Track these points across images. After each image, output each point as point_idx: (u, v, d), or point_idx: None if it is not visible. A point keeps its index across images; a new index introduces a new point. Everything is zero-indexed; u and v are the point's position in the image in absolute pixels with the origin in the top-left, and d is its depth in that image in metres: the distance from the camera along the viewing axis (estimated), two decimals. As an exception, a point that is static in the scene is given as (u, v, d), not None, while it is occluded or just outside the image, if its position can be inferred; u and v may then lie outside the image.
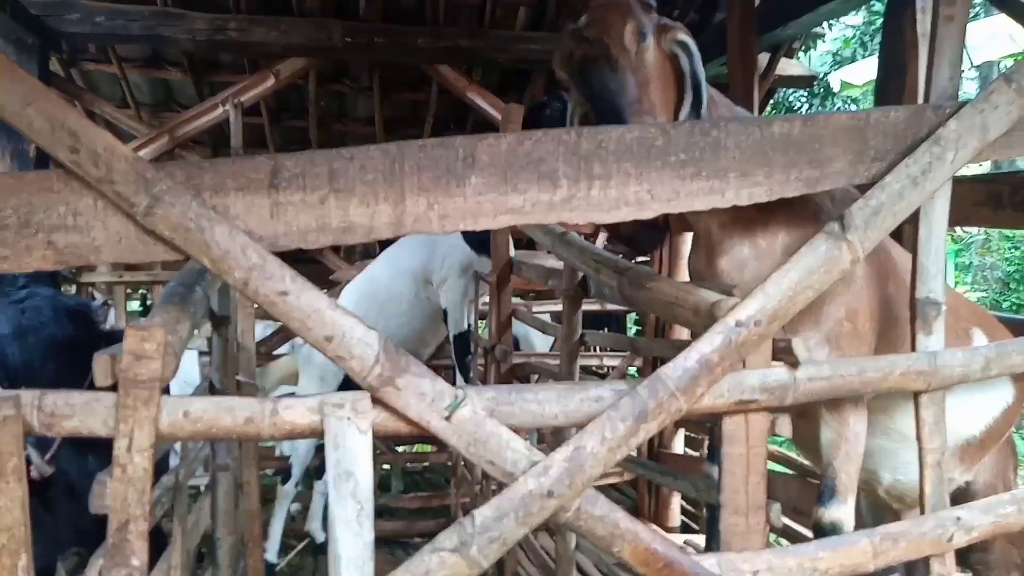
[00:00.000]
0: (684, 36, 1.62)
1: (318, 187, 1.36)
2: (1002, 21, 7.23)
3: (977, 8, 9.53)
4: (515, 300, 4.80)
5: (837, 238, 1.40)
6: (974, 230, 9.51)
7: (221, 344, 2.23)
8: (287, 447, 4.02)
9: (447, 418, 1.32)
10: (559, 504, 1.31)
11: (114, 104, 4.69)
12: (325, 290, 4.88)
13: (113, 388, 1.26)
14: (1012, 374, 1.80)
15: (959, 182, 1.61)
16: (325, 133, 5.21)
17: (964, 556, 1.98)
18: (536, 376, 3.76)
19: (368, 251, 5.12)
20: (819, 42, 7.04)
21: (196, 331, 3.92)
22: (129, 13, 3.81)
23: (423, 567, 1.28)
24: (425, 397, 1.32)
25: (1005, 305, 8.75)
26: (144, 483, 1.26)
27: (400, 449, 5.49)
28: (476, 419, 1.33)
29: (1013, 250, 9.46)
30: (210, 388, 2.22)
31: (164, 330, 1.26)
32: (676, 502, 4.09)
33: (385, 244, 4.21)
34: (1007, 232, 9.37)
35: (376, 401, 1.33)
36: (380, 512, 4.53)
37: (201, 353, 4.25)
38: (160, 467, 1.29)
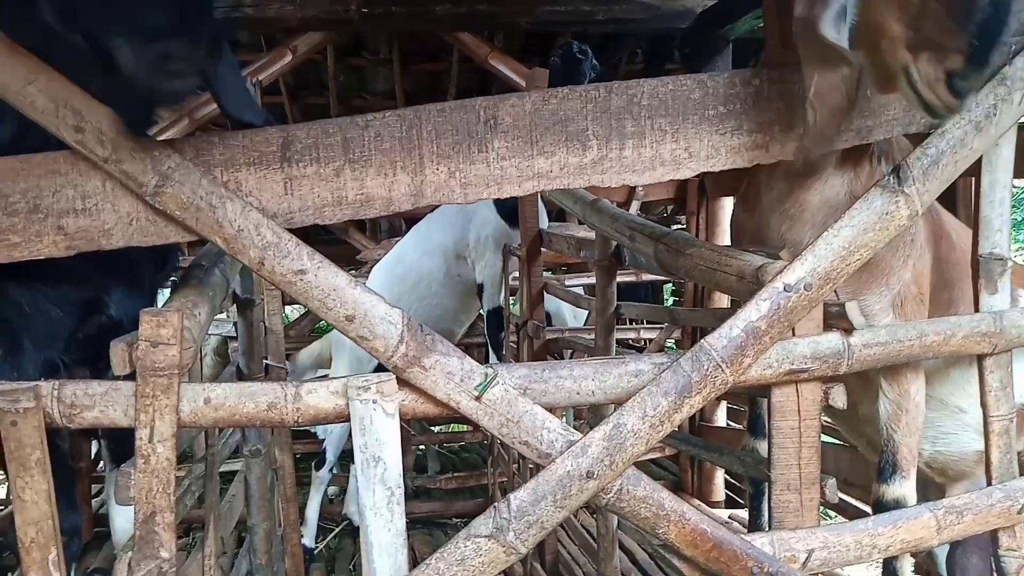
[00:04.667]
0: None
1: (332, 158, 1.29)
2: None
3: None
4: (545, 274, 4.72)
5: (893, 191, 1.29)
6: (1024, 184, 9.11)
7: (246, 328, 2.19)
8: (321, 429, 4.01)
9: (477, 398, 1.26)
10: (599, 485, 1.24)
11: (134, 90, 4.67)
12: (353, 270, 4.86)
13: (133, 377, 1.22)
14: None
15: (1020, 129, 1.47)
16: (345, 109, 5.13)
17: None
18: (571, 352, 3.69)
19: (394, 229, 5.07)
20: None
21: (225, 314, 3.89)
22: (143, -5, 3.77)
23: (458, 554, 1.22)
24: (453, 377, 1.26)
25: (1058, 262, 8.38)
26: (168, 473, 1.22)
27: (436, 429, 5.47)
28: (508, 398, 1.26)
29: (1066, 205, 9.06)
30: (237, 373, 2.19)
31: (180, 315, 1.20)
32: (720, 476, 4.00)
33: (412, 222, 4.14)
34: (1059, 185, 8.97)
35: (402, 382, 1.26)
36: (417, 493, 4.54)
37: (230, 338, 4.28)
38: None
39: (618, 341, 4.24)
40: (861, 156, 1.47)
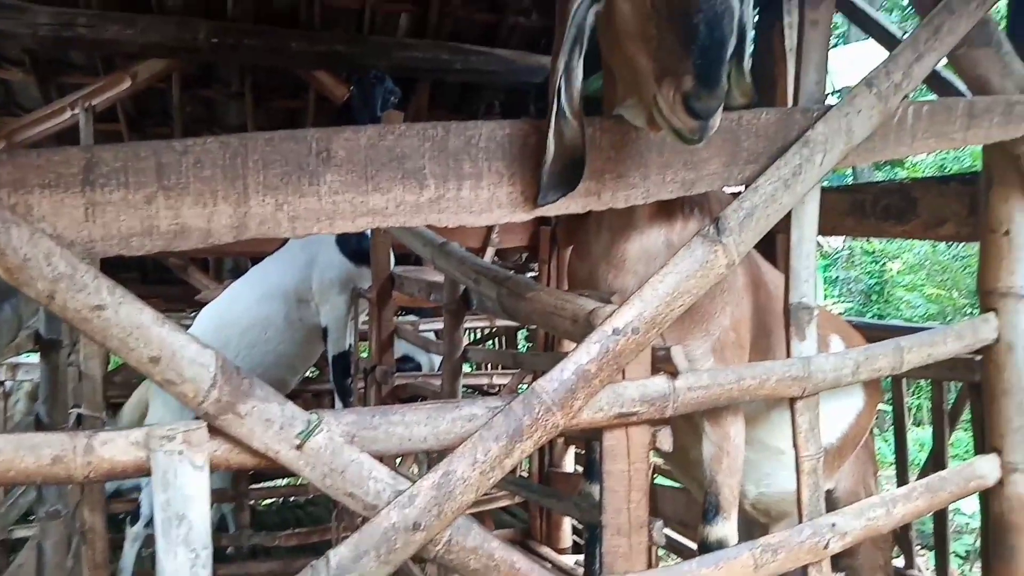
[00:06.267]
0: None
1: (144, 184, 1.18)
2: (861, 48, 7.83)
3: (836, 39, 10.33)
4: (410, 317, 4.63)
5: (712, 241, 1.36)
6: (839, 245, 10.20)
7: (50, 372, 1.96)
8: (142, 481, 3.66)
9: (299, 447, 1.17)
10: (427, 537, 1.18)
11: (-58, 107, 4.18)
12: (192, 313, 4.53)
13: None
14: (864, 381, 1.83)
15: (826, 191, 1.62)
16: (193, 143, 4.85)
17: (833, 562, 2.00)
18: (422, 398, 3.61)
19: (239, 269, 4.80)
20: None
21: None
22: (-44, 4, 3.40)
23: (269, 621, 1.11)
24: (272, 424, 1.16)
25: (868, 315, 9.40)
26: (-87, 543, 1.03)
27: (282, 482, 5.15)
28: (333, 446, 1.18)
29: (873, 264, 10.22)
30: (36, 423, 1.94)
31: (-61, 354, 1.04)
32: (568, 523, 4.02)
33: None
34: (868, 248, 10.12)
35: (214, 431, 1.15)
36: (255, 552, 4.22)
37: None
38: None
39: (471, 386, 4.22)
40: (674, 208, 1.56)
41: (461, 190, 1.30)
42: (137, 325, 1.12)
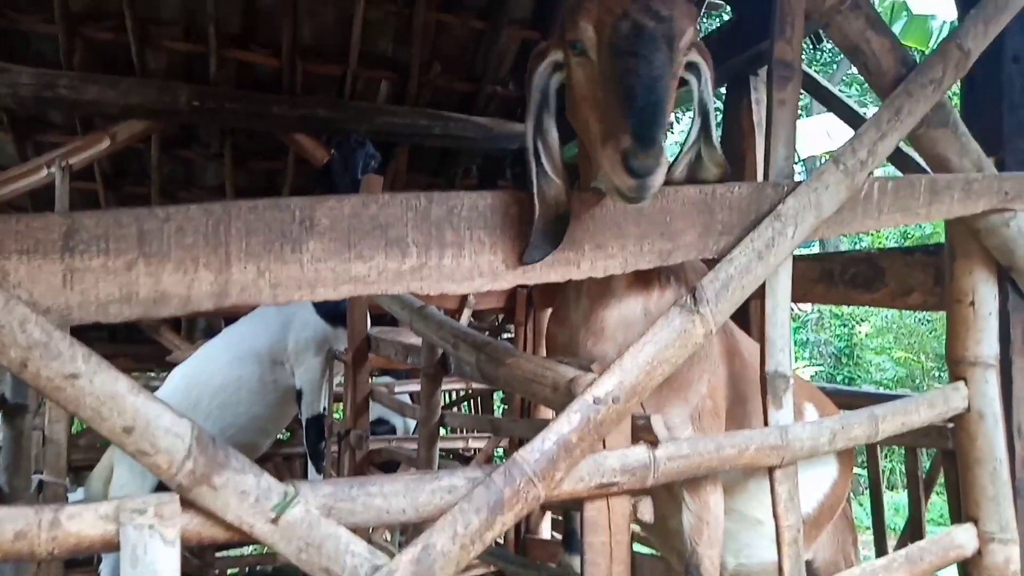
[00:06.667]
0: (696, 56, 1.41)
1: (125, 251, 1.18)
2: (820, 121, 8.16)
3: (799, 112, 10.74)
4: (385, 379, 4.58)
5: (690, 311, 1.38)
6: (808, 308, 10.39)
7: (14, 438, 1.90)
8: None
9: (274, 520, 1.14)
10: (404, 614, 1.14)
11: (-85, 163, 4.15)
12: (163, 373, 4.44)
13: None
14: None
15: (795, 259, 1.67)
16: (170, 202, 4.85)
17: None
18: (396, 462, 3.54)
19: (212, 329, 4.74)
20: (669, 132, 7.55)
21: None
22: (-63, 63, 3.42)
23: None
24: (247, 496, 1.13)
25: (838, 378, 9.51)
26: None
27: (247, 551, 4.97)
28: (309, 520, 1.15)
29: (842, 328, 10.40)
30: (-5, 492, 1.87)
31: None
32: (543, 591, 3.92)
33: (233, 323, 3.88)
34: (837, 311, 10.32)
35: (186, 503, 1.12)
36: (217, 625, 4.04)
37: None
38: None
39: (446, 450, 4.17)
40: (651, 277, 1.59)
41: (443, 258, 1.32)
42: (112, 394, 1.10)
